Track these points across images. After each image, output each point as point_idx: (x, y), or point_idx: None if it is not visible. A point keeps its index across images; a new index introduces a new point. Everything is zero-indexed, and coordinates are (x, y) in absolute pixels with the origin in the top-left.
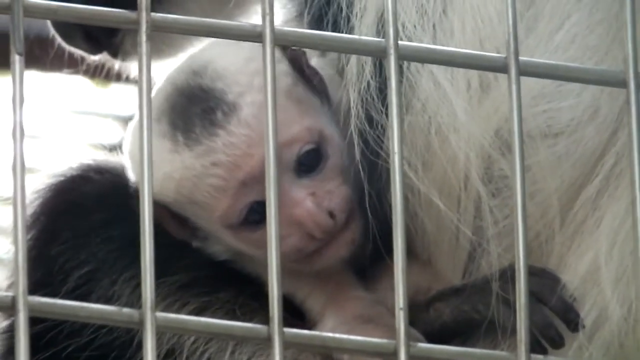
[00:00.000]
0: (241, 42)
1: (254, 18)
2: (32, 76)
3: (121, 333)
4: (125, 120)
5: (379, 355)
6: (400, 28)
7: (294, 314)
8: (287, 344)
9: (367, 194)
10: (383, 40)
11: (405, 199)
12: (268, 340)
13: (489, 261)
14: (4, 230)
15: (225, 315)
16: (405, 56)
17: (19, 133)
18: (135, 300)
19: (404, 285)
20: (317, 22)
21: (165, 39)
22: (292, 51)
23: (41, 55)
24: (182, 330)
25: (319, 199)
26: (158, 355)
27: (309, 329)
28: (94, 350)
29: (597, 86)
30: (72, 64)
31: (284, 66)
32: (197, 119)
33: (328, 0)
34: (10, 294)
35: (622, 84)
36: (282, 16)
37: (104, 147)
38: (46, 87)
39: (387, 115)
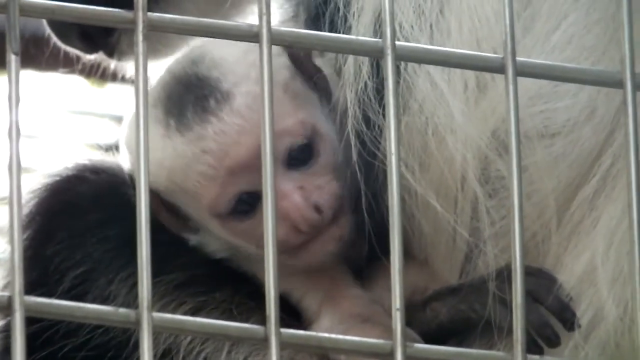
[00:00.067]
0: None
1: (250, 18)
2: (28, 76)
3: (117, 333)
4: (122, 121)
5: (376, 356)
6: (397, 28)
7: (290, 314)
8: (284, 345)
9: (364, 194)
10: (380, 40)
11: (402, 200)
12: (265, 340)
13: (485, 262)
14: (0, 230)
15: (222, 314)
16: (403, 56)
17: (14, 133)
18: (131, 300)
19: (400, 286)
20: (314, 22)
21: (161, 38)
22: None
23: (37, 54)
24: (178, 331)
25: (307, 193)
26: (155, 355)
27: (305, 328)
28: (91, 350)
29: (594, 87)
30: (68, 64)
31: (283, 60)
32: (191, 105)
33: (325, 0)
34: (6, 293)
35: (619, 84)
36: (279, 16)
37: (100, 147)
38: (42, 86)
39: (384, 116)
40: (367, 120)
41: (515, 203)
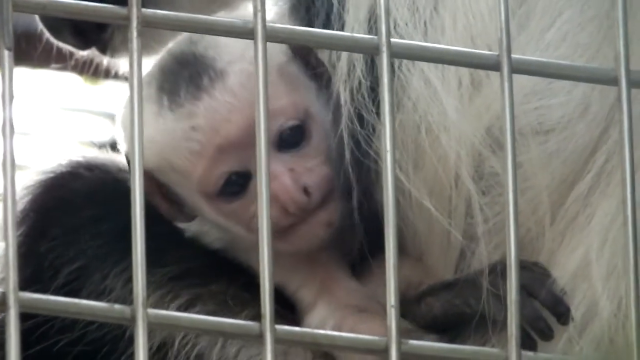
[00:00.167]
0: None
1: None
2: (22, 73)
3: (112, 327)
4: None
5: (371, 352)
6: (391, 25)
7: (285, 306)
8: (279, 341)
9: (357, 192)
10: (375, 37)
11: (396, 200)
12: (260, 337)
13: (480, 258)
14: None
15: (217, 306)
16: (398, 53)
17: (8, 130)
18: (127, 295)
19: (395, 283)
20: (309, 19)
21: (154, 35)
22: None
23: (29, 50)
24: (173, 327)
25: (297, 175)
26: (150, 349)
27: (300, 319)
28: (86, 345)
29: (588, 83)
30: (60, 59)
31: (281, 45)
32: (184, 83)
33: None
34: (0, 290)
35: (614, 81)
36: (274, 12)
37: (93, 144)
38: (36, 84)
39: (377, 114)
40: (360, 118)
41: (510, 200)
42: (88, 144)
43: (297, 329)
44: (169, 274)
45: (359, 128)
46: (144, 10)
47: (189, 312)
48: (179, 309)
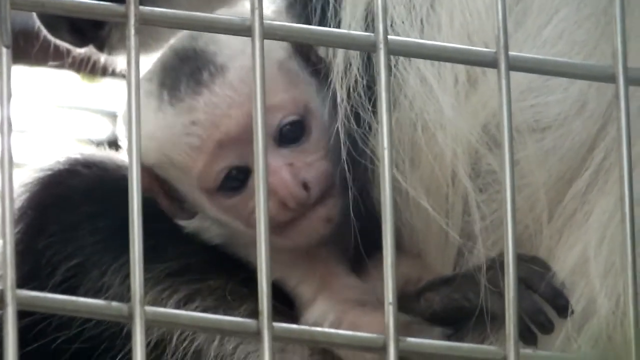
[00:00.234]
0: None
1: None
2: (20, 71)
3: (110, 325)
4: (113, 116)
5: (368, 350)
6: (388, 23)
7: (283, 302)
8: (277, 339)
9: (354, 190)
10: (372, 34)
11: (393, 198)
12: (257, 334)
13: (477, 256)
14: None
15: (216, 301)
16: (395, 51)
17: (6, 127)
18: (125, 291)
19: (393, 281)
20: (306, 16)
21: (152, 32)
22: None
23: (26, 47)
24: (171, 325)
25: (296, 170)
26: (148, 345)
27: (298, 315)
28: (83, 342)
29: (585, 81)
30: (58, 57)
31: (282, 42)
32: (185, 78)
33: None
34: None
35: (611, 78)
36: (271, 10)
37: (91, 142)
38: (33, 81)
39: (374, 113)
40: (357, 117)
41: (508, 197)
42: (86, 142)
43: (294, 326)
44: (167, 270)
45: (355, 127)
46: (141, 7)
47: (188, 307)
48: (177, 304)
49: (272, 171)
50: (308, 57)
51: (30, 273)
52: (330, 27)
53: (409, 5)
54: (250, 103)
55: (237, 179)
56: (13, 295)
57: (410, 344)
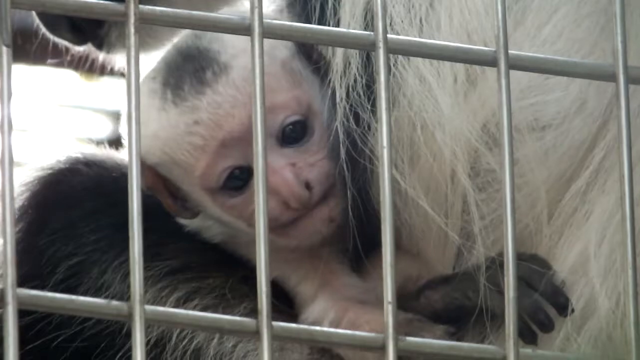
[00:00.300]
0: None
1: (241, 11)
2: (19, 70)
3: (110, 323)
4: (113, 114)
5: (367, 349)
6: (387, 22)
7: (283, 301)
8: (276, 338)
9: (353, 190)
10: (372, 33)
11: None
12: (256, 333)
13: (477, 255)
14: None
15: (216, 299)
16: (395, 50)
17: (7, 127)
18: (125, 290)
19: (392, 280)
20: (306, 15)
21: (150, 31)
22: None
23: (25, 46)
24: (170, 323)
25: (298, 170)
26: (147, 343)
27: (298, 313)
28: (83, 340)
29: (585, 79)
30: (57, 55)
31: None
32: (188, 77)
33: None
34: None
35: (612, 77)
36: (271, 9)
37: (91, 141)
38: (33, 81)
39: (373, 112)
40: (356, 116)
41: (508, 196)
42: (86, 141)
43: (294, 325)
44: (167, 268)
45: (354, 126)
46: (141, 6)
47: (188, 305)
48: (177, 302)
49: (274, 171)
50: (310, 55)
51: (31, 271)
52: (329, 26)
53: (408, 4)
54: None
55: (240, 179)
56: (13, 294)
57: (410, 343)
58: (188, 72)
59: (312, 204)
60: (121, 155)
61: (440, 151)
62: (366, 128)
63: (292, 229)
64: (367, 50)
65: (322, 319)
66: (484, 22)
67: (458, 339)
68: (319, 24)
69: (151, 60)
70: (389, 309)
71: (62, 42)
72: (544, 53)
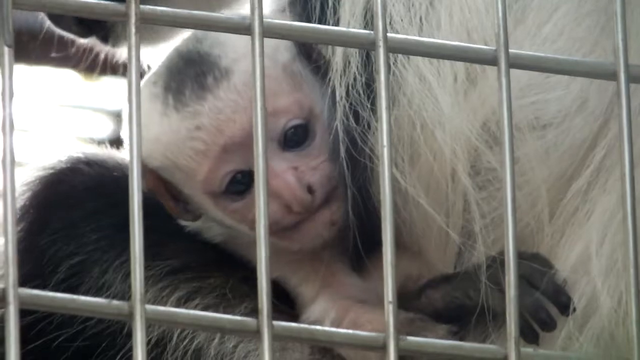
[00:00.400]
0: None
1: (242, 10)
2: (21, 70)
3: (111, 323)
4: (114, 114)
5: (368, 349)
6: (387, 20)
7: (284, 301)
8: (276, 337)
9: (353, 188)
10: (372, 32)
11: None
12: (257, 332)
13: (478, 254)
14: None
15: (216, 299)
16: (395, 49)
17: (8, 126)
18: (126, 289)
19: (393, 279)
20: (306, 14)
21: (150, 32)
22: None
23: (28, 44)
24: (171, 323)
25: (301, 174)
26: (148, 343)
27: (299, 313)
28: (84, 340)
29: (586, 77)
30: (61, 49)
31: (286, 42)
32: (189, 82)
33: None
34: (0, 286)
35: (613, 76)
36: (271, 9)
37: (92, 141)
38: (35, 80)
39: (373, 111)
40: (356, 115)
41: (508, 195)
42: (87, 140)
43: (294, 324)
44: (168, 268)
45: (354, 125)
46: (142, 6)
47: (188, 305)
48: (178, 302)
49: (276, 175)
50: (309, 54)
51: (32, 271)
52: (329, 25)
53: (408, 3)
54: None
55: (242, 183)
56: (15, 293)
57: (411, 342)
58: (189, 76)
59: (314, 208)
60: (122, 155)
61: (440, 150)
62: (366, 126)
63: (294, 232)
64: (366, 49)
65: (324, 319)
66: (484, 20)
67: (460, 339)
68: (319, 23)
69: (154, 58)
70: (389, 308)
71: (68, 35)
72: (544, 52)
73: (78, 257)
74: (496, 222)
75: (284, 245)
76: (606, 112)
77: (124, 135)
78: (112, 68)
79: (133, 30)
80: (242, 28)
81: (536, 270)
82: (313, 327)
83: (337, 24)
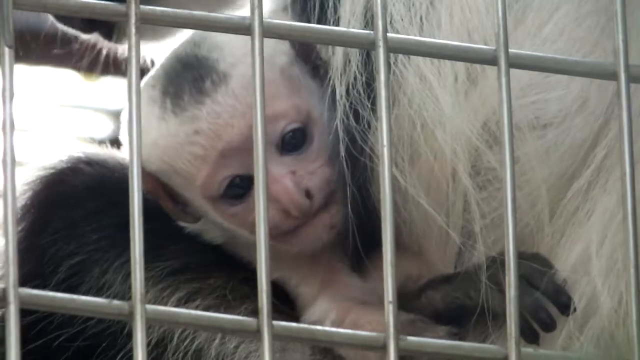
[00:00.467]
0: None
1: (242, 11)
2: (21, 70)
3: (111, 323)
4: (115, 114)
5: (369, 349)
6: (387, 20)
7: (285, 302)
8: (277, 337)
9: (353, 188)
10: (372, 32)
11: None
12: (257, 332)
13: (478, 254)
14: None
15: (217, 300)
16: (395, 48)
17: (9, 126)
18: (126, 289)
19: (393, 279)
20: (306, 14)
21: (150, 32)
22: None
23: (31, 44)
24: (171, 323)
25: (299, 178)
26: (149, 343)
27: (299, 314)
28: (85, 340)
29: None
30: (64, 46)
31: (284, 46)
32: (187, 86)
33: None
34: (0, 286)
35: (613, 76)
36: (271, 9)
37: (93, 140)
38: (36, 80)
39: (373, 110)
40: (356, 114)
41: (509, 195)
42: (88, 140)
43: (294, 324)
44: (168, 268)
45: (354, 124)
46: (142, 7)
47: (189, 306)
48: (178, 303)
49: (274, 179)
50: (309, 55)
51: (32, 271)
52: (329, 24)
53: (409, 2)
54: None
55: (241, 187)
56: (15, 293)
57: (411, 342)
58: (187, 80)
59: (313, 212)
60: (123, 155)
61: (440, 150)
62: (366, 126)
63: (293, 236)
64: (367, 49)
65: (324, 319)
66: (484, 20)
67: (460, 339)
68: (318, 22)
69: (157, 54)
70: (389, 308)
71: (71, 32)
72: (544, 52)
73: (78, 257)
74: (496, 222)
75: (283, 248)
76: (606, 112)
77: (124, 135)
78: (114, 65)
79: (133, 30)
80: (242, 28)
81: (536, 270)
82: (313, 327)
83: (337, 23)
